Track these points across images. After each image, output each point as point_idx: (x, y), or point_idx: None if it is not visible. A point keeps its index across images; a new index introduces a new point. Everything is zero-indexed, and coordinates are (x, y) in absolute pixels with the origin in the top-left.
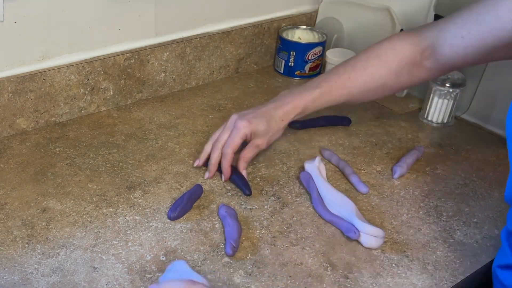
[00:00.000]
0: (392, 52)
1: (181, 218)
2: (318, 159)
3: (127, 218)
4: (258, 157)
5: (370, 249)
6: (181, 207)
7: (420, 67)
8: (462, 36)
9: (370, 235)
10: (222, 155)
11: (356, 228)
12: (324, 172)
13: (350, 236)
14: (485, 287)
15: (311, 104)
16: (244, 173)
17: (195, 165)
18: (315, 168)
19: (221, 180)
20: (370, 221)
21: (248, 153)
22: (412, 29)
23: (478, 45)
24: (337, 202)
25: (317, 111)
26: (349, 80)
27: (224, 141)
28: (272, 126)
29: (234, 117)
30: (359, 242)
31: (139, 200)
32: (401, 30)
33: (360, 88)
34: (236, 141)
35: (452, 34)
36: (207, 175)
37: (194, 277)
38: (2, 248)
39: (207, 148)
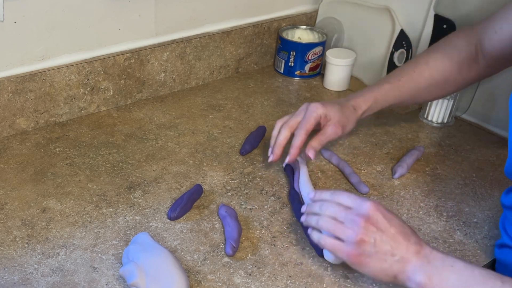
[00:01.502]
0: (451, 47)
1: (181, 218)
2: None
3: (127, 218)
4: (258, 157)
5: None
6: (181, 207)
7: (476, 62)
8: (495, 31)
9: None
10: (294, 136)
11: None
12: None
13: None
14: None
15: (381, 97)
16: (312, 154)
17: (269, 160)
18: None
19: (269, 160)
20: None
21: (325, 137)
22: (467, 26)
23: (509, 40)
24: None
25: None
26: (415, 74)
27: (296, 123)
28: (345, 112)
29: (304, 104)
30: None
31: (139, 200)
32: (401, 30)
33: (426, 82)
34: (311, 121)
35: (490, 29)
36: (271, 157)
37: (156, 248)
38: (2, 248)
39: (275, 132)
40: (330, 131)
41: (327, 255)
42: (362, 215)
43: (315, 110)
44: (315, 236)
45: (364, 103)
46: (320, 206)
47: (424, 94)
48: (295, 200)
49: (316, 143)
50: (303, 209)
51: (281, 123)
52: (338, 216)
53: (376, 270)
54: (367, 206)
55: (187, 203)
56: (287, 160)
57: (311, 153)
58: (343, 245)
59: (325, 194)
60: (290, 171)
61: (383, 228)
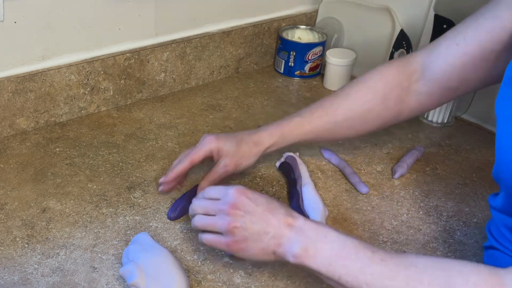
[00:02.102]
0: (378, 77)
1: (181, 218)
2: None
3: (127, 218)
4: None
5: None
6: (181, 207)
7: (408, 92)
8: (457, 44)
9: None
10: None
11: None
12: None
13: None
14: None
15: (289, 132)
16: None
17: (160, 189)
18: (298, 158)
19: (160, 189)
20: (370, 221)
21: (213, 173)
22: (402, 57)
23: (475, 50)
24: (310, 203)
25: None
26: (332, 106)
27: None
28: (243, 148)
29: (204, 135)
30: None
31: (139, 200)
32: (401, 30)
33: (345, 115)
34: (199, 154)
35: (445, 46)
36: (162, 179)
37: (156, 248)
38: (2, 248)
39: (175, 162)
40: (219, 169)
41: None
42: (228, 202)
43: (208, 143)
44: (199, 237)
45: (269, 138)
46: (191, 207)
47: (342, 129)
48: (294, 199)
49: (205, 183)
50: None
51: (183, 155)
52: (208, 210)
53: (256, 252)
54: (231, 193)
55: (187, 203)
56: (160, 188)
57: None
58: (221, 237)
59: (199, 194)
60: (286, 170)
61: (250, 210)
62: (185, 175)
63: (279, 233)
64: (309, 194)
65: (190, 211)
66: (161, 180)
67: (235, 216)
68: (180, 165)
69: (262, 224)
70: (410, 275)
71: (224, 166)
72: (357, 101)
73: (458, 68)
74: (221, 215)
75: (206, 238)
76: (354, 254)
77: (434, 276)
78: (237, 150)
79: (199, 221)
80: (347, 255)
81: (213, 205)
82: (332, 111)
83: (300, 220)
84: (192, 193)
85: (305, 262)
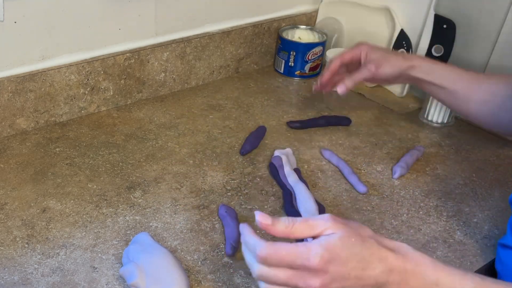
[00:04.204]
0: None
1: (181, 218)
2: (290, 150)
3: (127, 218)
4: (258, 157)
5: None
6: (250, 144)
7: None
8: None
9: None
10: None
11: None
12: (294, 163)
13: None
14: None
15: (440, 71)
16: (341, 90)
17: (314, 88)
18: (285, 156)
19: (314, 88)
20: (370, 221)
21: (358, 74)
22: None
23: None
24: (302, 203)
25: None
26: (479, 77)
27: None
28: (391, 57)
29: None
30: None
31: (139, 200)
32: (401, 30)
33: (485, 92)
34: (348, 53)
35: None
36: (318, 82)
37: (157, 248)
38: (2, 248)
39: (329, 64)
40: (363, 69)
41: None
42: (314, 273)
43: (359, 47)
44: None
45: (419, 60)
46: (253, 268)
47: (474, 101)
48: (287, 201)
49: (349, 81)
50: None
51: (334, 57)
52: (287, 282)
53: None
54: (314, 258)
55: (254, 140)
56: (313, 87)
57: (340, 88)
58: None
59: (258, 245)
60: (273, 172)
61: (343, 275)
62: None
63: (380, 283)
64: (301, 193)
65: (251, 262)
66: (319, 81)
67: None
68: (332, 64)
69: (360, 285)
70: None
71: (367, 67)
72: (494, 91)
73: None
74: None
75: None
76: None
77: None
78: (384, 56)
79: None
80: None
81: (294, 279)
82: (477, 82)
83: (392, 257)
84: (258, 132)
85: None
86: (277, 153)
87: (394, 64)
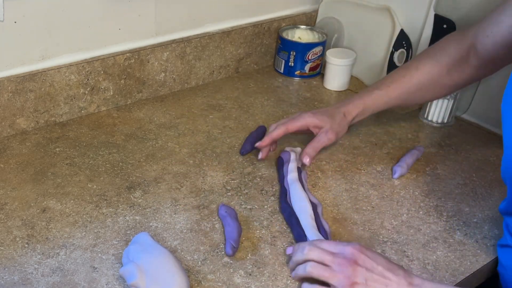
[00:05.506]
0: (442, 52)
1: (181, 218)
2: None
3: (127, 218)
4: (258, 157)
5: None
6: (251, 143)
7: (468, 64)
8: (487, 35)
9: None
10: (274, 129)
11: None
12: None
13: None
14: (485, 287)
15: (371, 103)
16: (307, 161)
17: (256, 145)
18: (294, 153)
19: (257, 158)
20: (370, 221)
21: (317, 142)
22: (459, 30)
23: (502, 42)
24: (296, 201)
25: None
26: (404, 79)
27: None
28: (337, 119)
29: (300, 112)
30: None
31: (139, 200)
32: (401, 30)
33: (415, 87)
34: (296, 124)
35: (482, 33)
36: (258, 143)
37: (157, 248)
38: (2, 248)
39: (271, 129)
40: (323, 138)
41: None
42: (348, 257)
43: (305, 117)
44: (302, 286)
45: (354, 109)
46: (303, 251)
47: (414, 97)
48: (282, 195)
49: (310, 149)
50: (289, 251)
51: (280, 123)
52: (324, 260)
53: None
54: (350, 249)
55: (255, 139)
56: (260, 156)
57: (305, 159)
58: None
59: (304, 243)
60: (279, 165)
61: (371, 268)
62: (276, 141)
63: None
64: (296, 191)
65: (300, 255)
66: (257, 144)
67: (356, 272)
68: (275, 132)
69: (382, 282)
70: None
71: (326, 136)
72: (426, 74)
73: (494, 52)
74: (341, 268)
75: None
76: None
77: None
78: (333, 122)
79: (315, 268)
80: None
81: (331, 256)
82: (405, 84)
83: (417, 279)
84: (258, 132)
85: None
86: (287, 149)
87: (343, 125)
